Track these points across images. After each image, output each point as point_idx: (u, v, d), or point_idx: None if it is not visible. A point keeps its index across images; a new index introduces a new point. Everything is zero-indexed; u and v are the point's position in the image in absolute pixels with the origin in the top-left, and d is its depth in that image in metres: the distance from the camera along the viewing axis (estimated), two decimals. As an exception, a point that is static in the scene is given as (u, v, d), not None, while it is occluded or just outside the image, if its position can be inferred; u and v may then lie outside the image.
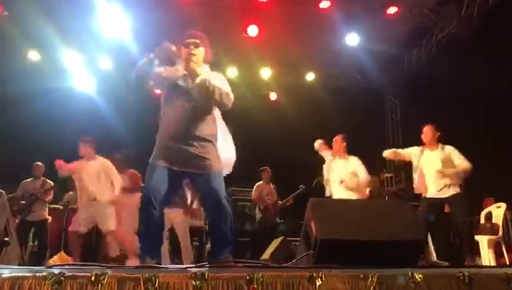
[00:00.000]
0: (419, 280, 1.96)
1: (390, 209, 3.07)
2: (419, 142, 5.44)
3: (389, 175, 8.94)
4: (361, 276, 1.96)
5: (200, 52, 3.29)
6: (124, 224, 6.16)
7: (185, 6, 6.88)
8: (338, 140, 5.93)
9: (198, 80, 3.16)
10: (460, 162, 5.14)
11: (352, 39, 8.00)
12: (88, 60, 8.90)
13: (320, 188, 6.08)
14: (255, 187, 7.23)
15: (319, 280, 1.93)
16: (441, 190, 5.13)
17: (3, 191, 2.77)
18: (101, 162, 5.77)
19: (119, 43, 7.89)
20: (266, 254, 6.01)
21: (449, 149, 5.26)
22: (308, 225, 2.92)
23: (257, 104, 8.94)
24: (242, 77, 8.92)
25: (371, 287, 1.93)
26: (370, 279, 1.95)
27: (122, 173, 6.50)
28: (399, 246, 2.74)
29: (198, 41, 3.29)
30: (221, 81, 3.32)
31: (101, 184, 5.65)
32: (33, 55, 8.67)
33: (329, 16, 7.42)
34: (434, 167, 5.16)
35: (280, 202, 7.25)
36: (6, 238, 2.65)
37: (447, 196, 5.11)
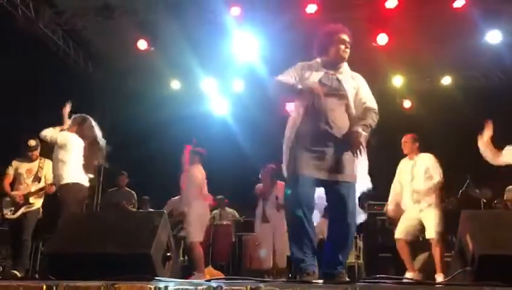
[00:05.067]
0: None
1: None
2: None
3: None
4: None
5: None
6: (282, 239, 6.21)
7: (311, 24, 6.98)
8: (408, 140, 5.58)
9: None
10: None
11: (494, 36, 7.34)
12: (223, 83, 9.45)
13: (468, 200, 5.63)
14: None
15: (483, 298, 1.80)
16: None
17: (165, 211, 3.05)
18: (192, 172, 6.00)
19: (250, 66, 8.26)
20: (415, 265, 5.72)
21: None
22: (463, 239, 2.71)
23: (391, 113, 8.66)
24: (373, 87, 8.66)
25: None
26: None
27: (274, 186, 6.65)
28: None
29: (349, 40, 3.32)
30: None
31: (189, 194, 5.87)
32: (175, 84, 9.46)
33: (465, 15, 6.93)
34: None
35: None
36: (168, 253, 2.91)
37: None
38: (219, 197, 8.09)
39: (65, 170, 4.93)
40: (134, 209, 7.70)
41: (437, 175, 5.36)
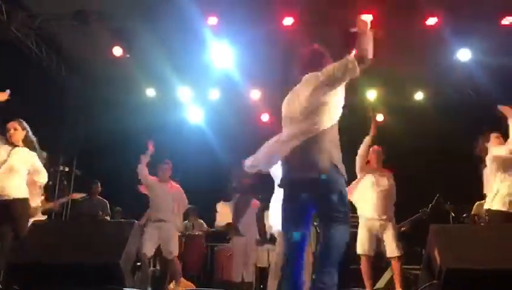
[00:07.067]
0: None
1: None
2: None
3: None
4: (499, 309, 1.81)
5: None
6: None
7: (287, 36, 7.05)
8: (379, 151, 5.71)
9: None
10: None
11: (464, 55, 7.58)
12: (198, 92, 9.42)
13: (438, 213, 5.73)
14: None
15: (449, 311, 1.83)
16: None
17: (136, 221, 3.01)
18: (175, 187, 6.29)
19: (226, 75, 8.28)
20: (381, 283, 5.79)
21: None
22: (431, 253, 2.76)
23: (363, 126, 8.79)
24: (347, 100, 8.78)
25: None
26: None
27: None
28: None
29: None
30: None
31: (169, 207, 6.01)
32: (150, 92, 9.38)
33: (437, 33, 7.11)
34: None
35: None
36: (138, 263, 2.86)
37: None
38: (191, 206, 8.02)
39: (21, 183, 4.53)
40: (108, 219, 7.56)
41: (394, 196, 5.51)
